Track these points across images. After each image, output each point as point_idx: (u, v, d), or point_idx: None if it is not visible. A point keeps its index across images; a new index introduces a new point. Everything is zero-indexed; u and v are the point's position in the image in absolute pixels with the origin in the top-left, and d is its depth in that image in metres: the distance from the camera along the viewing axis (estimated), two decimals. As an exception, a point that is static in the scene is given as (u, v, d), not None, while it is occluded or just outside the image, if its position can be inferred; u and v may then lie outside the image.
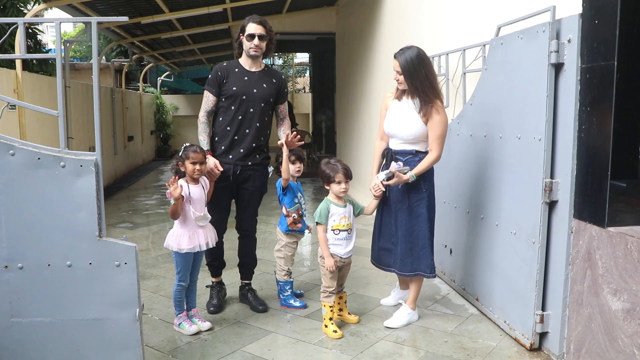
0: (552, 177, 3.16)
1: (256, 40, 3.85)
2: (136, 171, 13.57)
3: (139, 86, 15.92)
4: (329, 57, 12.81)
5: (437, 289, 4.42)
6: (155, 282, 4.68)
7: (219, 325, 3.77)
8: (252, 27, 3.85)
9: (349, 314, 3.87)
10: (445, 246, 4.48)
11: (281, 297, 4.16)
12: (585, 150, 2.95)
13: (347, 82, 10.28)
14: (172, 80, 20.74)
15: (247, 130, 3.89)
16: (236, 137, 3.87)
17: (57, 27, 2.55)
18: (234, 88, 3.85)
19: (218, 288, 4.19)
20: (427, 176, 3.62)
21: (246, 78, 3.88)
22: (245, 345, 3.45)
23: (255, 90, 3.88)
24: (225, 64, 3.97)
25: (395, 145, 3.66)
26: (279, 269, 4.15)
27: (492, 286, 3.78)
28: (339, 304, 3.80)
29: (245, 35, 3.86)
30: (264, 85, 3.92)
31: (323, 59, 13.91)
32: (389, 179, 3.53)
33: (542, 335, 3.31)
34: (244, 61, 3.95)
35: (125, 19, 2.69)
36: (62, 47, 2.54)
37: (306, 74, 26.23)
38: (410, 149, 3.59)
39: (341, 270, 3.73)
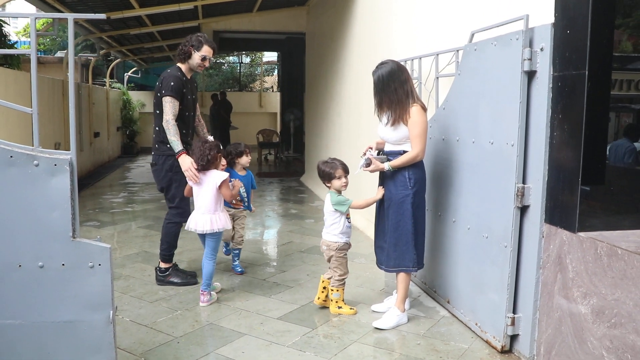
0: (524, 182, 3.22)
1: (207, 62, 4.45)
2: (102, 168, 13.32)
3: (105, 81, 15.61)
4: (298, 57, 12.82)
5: (408, 292, 4.45)
6: (125, 283, 4.60)
7: (191, 327, 3.72)
8: (208, 51, 4.41)
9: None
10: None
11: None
12: (556, 156, 3.01)
13: (316, 82, 10.28)
14: (139, 76, 20.40)
15: (190, 131, 4.58)
16: (187, 138, 4.49)
17: (32, 23, 2.47)
18: (189, 96, 4.45)
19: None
20: (414, 175, 3.74)
21: (189, 86, 4.49)
22: (218, 347, 3.42)
23: (194, 97, 4.61)
24: (178, 73, 4.38)
25: (388, 147, 3.87)
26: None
27: (464, 289, 3.83)
28: (328, 290, 4.06)
29: (199, 53, 4.37)
30: (195, 91, 4.69)
31: (292, 58, 13.91)
32: (367, 165, 3.76)
33: (513, 338, 3.36)
34: (185, 69, 4.45)
35: (102, 16, 2.63)
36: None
37: (274, 73, 26.14)
38: (398, 150, 3.78)
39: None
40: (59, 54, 14.83)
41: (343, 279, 3.99)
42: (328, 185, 4.01)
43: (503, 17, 3.40)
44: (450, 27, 4.43)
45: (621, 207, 3.29)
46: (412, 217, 3.72)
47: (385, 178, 3.86)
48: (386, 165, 3.73)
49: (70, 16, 2.49)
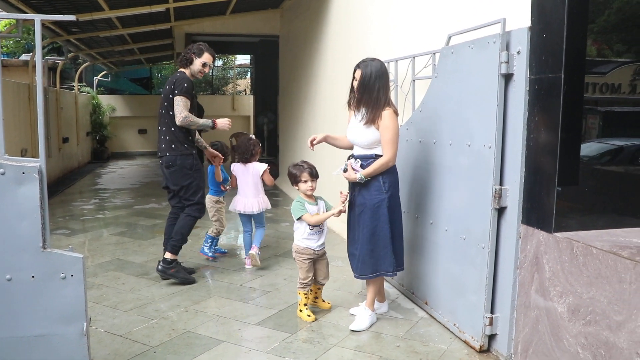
0: (501, 184, 3.24)
1: (207, 68, 4.77)
2: (71, 174, 13.05)
3: (74, 85, 15.32)
4: (271, 60, 12.75)
5: (386, 293, 4.44)
6: (98, 292, 4.49)
7: (168, 335, 3.65)
8: (208, 57, 4.74)
9: (323, 301, 4.18)
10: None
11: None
12: (533, 158, 3.04)
13: (290, 85, 10.25)
14: (109, 80, 20.08)
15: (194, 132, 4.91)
16: (193, 138, 4.83)
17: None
18: (195, 99, 4.76)
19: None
20: (389, 179, 3.71)
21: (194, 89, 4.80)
22: (196, 356, 3.35)
23: (196, 100, 4.90)
24: (188, 76, 4.67)
25: (357, 151, 3.81)
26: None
27: (442, 290, 3.84)
28: (315, 292, 4.15)
29: (200, 60, 4.69)
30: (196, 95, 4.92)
31: (266, 61, 13.83)
32: (344, 171, 3.76)
33: (491, 337, 3.38)
34: (187, 74, 4.71)
35: (72, 17, 2.55)
36: None
37: (247, 76, 25.99)
38: (370, 154, 3.74)
39: (317, 262, 4.03)
40: (24, 56, 14.46)
41: (303, 283, 3.96)
42: (296, 188, 4.02)
43: (480, 21, 3.42)
44: (427, 29, 4.45)
45: (595, 206, 3.34)
46: (389, 222, 3.70)
47: (356, 183, 3.77)
48: (359, 176, 3.66)
49: (37, 17, 2.41)
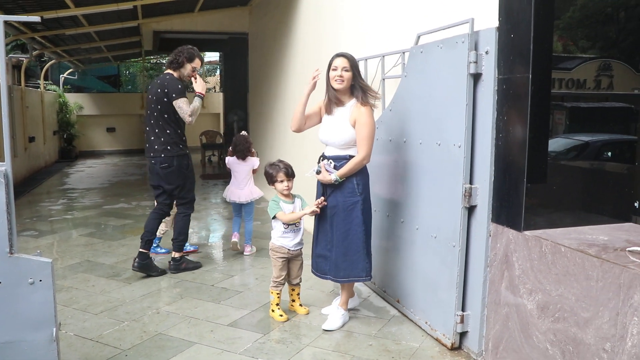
0: (471, 182, 3.27)
1: (195, 73, 4.92)
2: (38, 174, 12.75)
3: (39, 84, 14.96)
4: (241, 57, 12.64)
5: (357, 292, 4.45)
6: (67, 295, 4.39)
7: (139, 338, 3.59)
8: (198, 63, 4.93)
9: (300, 305, 4.09)
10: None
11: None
12: (502, 157, 3.07)
13: (260, 83, 10.19)
14: (75, 77, 19.67)
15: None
16: (184, 138, 5.01)
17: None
18: None
19: None
20: (362, 181, 3.70)
21: None
22: (169, 358, 3.31)
23: None
24: (176, 78, 4.82)
25: (330, 152, 3.76)
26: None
27: (413, 288, 3.86)
28: (291, 294, 4.10)
29: (191, 65, 4.86)
30: None
31: (235, 58, 13.71)
32: (318, 172, 3.72)
33: (463, 335, 3.42)
34: (176, 76, 4.84)
35: (37, 19, 2.48)
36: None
37: (217, 73, 25.75)
38: (344, 154, 3.70)
39: (291, 262, 4.00)
40: (-13, 54, 14.10)
41: (275, 281, 3.96)
42: (273, 187, 4.01)
43: (449, 20, 3.44)
44: (397, 28, 4.45)
45: (562, 203, 3.38)
46: (363, 224, 3.68)
47: (329, 185, 3.73)
48: (334, 177, 3.63)
49: (0, 17, 2.33)
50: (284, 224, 3.90)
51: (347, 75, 3.63)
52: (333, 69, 3.66)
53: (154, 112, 4.78)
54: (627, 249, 2.58)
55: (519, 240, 2.95)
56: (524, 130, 2.91)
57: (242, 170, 5.58)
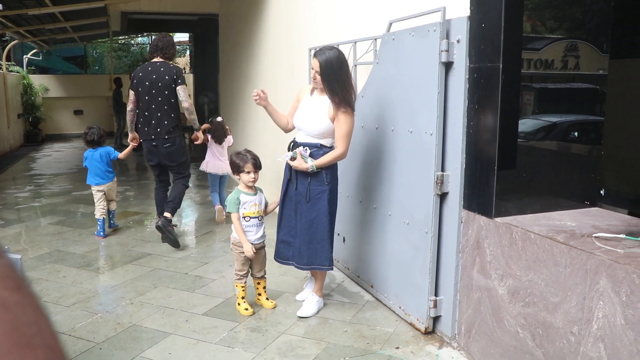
0: (442, 170, 3.30)
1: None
2: (3, 159, 12.42)
3: (1, 65, 14.52)
4: (211, 38, 12.46)
5: (332, 277, 4.49)
6: (37, 287, 4.31)
7: (113, 330, 3.56)
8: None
9: (266, 299, 3.99)
10: (339, 234, 4.54)
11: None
12: (473, 145, 3.11)
13: (231, 65, 10.07)
14: (40, 58, 19.14)
15: None
16: None
17: None
18: None
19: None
20: (330, 170, 3.67)
21: None
22: (144, 350, 3.30)
23: None
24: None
25: (302, 138, 3.69)
26: None
27: (386, 274, 3.90)
28: (257, 288, 4.00)
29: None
30: None
31: (205, 39, 13.52)
32: (292, 159, 3.65)
33: (436, 319, 3.48)
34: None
35: (-2, 7, 2.39)
36: None
37: (187, 54, 25.33)
38: (316, 142, 3.64)
39: (254, 255, 3.85)
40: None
41: (239, 274, 3.86)
42: (237, 177, 3.90)
43: (421, 8, 3.43)
44: (369, 15, 4.42)
45: (531, 188, 3.44)
46: (329, 214, 3.67)
47: (297, 171, 3.68)
48: (310, 164, 3.57)
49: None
50: (244, 217, 3.82)
51: (319, 78, 3.54)
52: (312, 67, 3.60)
53: (158, 96, 5.28)
54: (593, 235, 2.64)
55: (490, 227, 3.00)
56: (494, 118, 2.94)
57: (218, 149, 6.26)
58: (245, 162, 3.80)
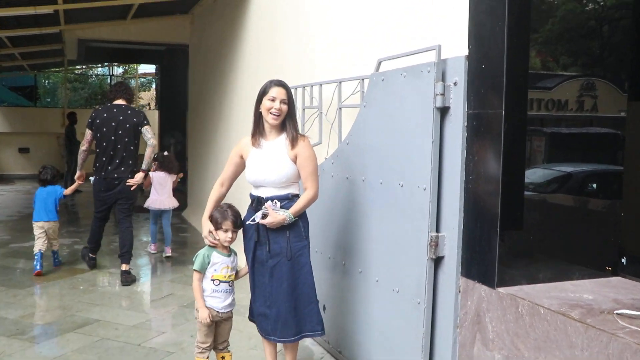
0: (438, 230, 3.24)
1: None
2: None
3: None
4: (180, 71, 12.53)
5: (309, 352, 4.35)
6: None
7: None
8: None
9: None
10: (318, 301, 4.42)
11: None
12: (472, 201, 3.05)
13: (202, 101, 10.10)
14: (-17, 88, 19.10)
15: None
16: None
17: None
18: None
19: None
20: (306, 221, 3.63)
21: None
22: None
23: None
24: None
25: (266, 193, 3.61)
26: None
27: (373, 350, 3.78)
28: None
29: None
30: None
31: (173, 72, 13.58)
32: (264, 216, 3.54)
33: (429, 406, 3.34)
34: None
35: None
36: None
37: (152, 87, 25.49)
38: (285, 194, 3.58)
39: (220, 326, 3.77)
40: None
41: (201, 347, 3.71)
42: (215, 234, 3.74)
43: (414, 46, 3.43)
44: (356, 52, 4.44)
45: (541, 249, 3.37)
46: (311, 272, 3.61)
47: (269, 230, 3.57)
48: (286, 214, 3.49)
49: None
50: (213, 280, 3.69)
51: (285, 108, 3.57)
52: (270, 99, 3.55)
53: (125, 137, 6.25)
54: (615, 312, 2.57)
55: (492, 298, 2.91)
56: (497, 171, 2.90)
57: (165, 182, 7.47)
58: (225, 218, 3.67)
